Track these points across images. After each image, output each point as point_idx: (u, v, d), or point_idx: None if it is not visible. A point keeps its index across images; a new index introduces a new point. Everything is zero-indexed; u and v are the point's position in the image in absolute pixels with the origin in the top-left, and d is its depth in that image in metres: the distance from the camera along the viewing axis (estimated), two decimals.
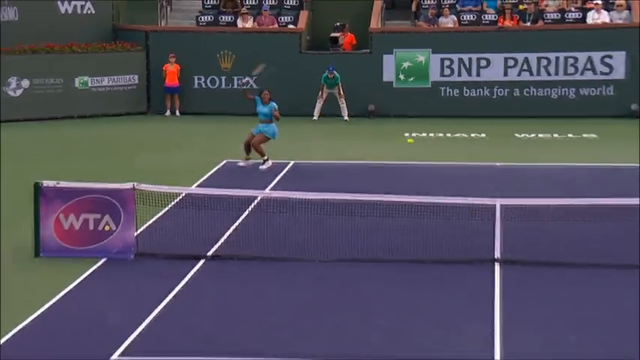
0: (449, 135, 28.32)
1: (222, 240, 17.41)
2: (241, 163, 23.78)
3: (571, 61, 31.16)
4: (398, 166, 24.02)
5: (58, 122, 31.11)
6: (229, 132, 28.18)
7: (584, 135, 27.74)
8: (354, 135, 29.09)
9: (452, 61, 31.48)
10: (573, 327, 13.40)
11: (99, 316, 13.82)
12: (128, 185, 16.69)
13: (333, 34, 32.89)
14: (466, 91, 31.41)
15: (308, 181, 21.60)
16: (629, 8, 32.61)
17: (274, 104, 23.50)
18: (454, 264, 16.07)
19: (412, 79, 31.53)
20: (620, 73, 30.80)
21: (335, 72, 31.05)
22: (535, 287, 15.11)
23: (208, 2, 35.15)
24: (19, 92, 31.64)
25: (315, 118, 31.40)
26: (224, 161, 24.20)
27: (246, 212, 18.86)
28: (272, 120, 23.44)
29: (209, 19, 34.26)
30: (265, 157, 23.47)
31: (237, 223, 18.37)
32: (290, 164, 24.11)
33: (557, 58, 31.23)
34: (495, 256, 16.28)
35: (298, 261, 16.25)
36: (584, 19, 32.48)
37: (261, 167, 23.42)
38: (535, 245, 16.93)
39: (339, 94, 31.27)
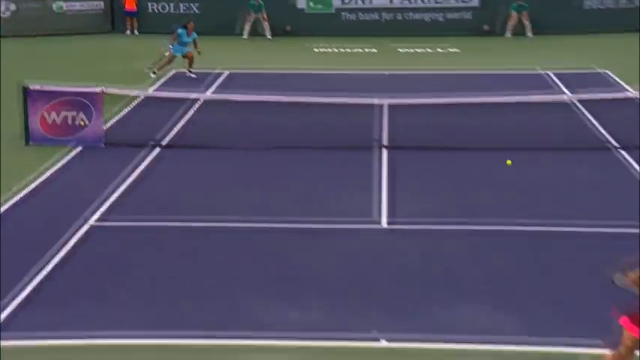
0: (348, 50, 28.15)
1: (173, 132, 17.30)
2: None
3: None
4: (311, 74, 23.77)
5: (40, 38, 30.29)
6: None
7: (450, 49, 27.87)
8: (276, 50, 28.72)
9: None
10: (446, 195, 13.64)
11: (78, 191, 13.73)
12: (98, 89, 16.56)
13: None
14: (361, 16, 31.17)
15: (241, 86, 21.27)
16: None
17: (195, 35, 23.09)
18: (350, 149, 16.00)
19: (320, 6, 31.23)
20: (475, 1, 30.86)
21: (260, 0, 30.61)
22: (423, 166, 15.23)
23: None
24: (7, 14, 30.88)
25: (245, 37, 30.93)
26: (173, 71, 23.76)
27: (192, 111, 18.72)
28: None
29: None
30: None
31: (185, 119, 18.22)
32: (226, 73, 23.73)
33: None
34: (383, 143, 16.37)
35: (233, 149, 16.16)
36: None
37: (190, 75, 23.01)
38: (416, 134, 16.93)
39: (263, 18, 30.87)
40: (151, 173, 14.84)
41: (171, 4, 31.79)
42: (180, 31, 22.95)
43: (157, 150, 16.07)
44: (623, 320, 7.54)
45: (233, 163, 15.47)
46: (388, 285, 10.27)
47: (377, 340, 8.86)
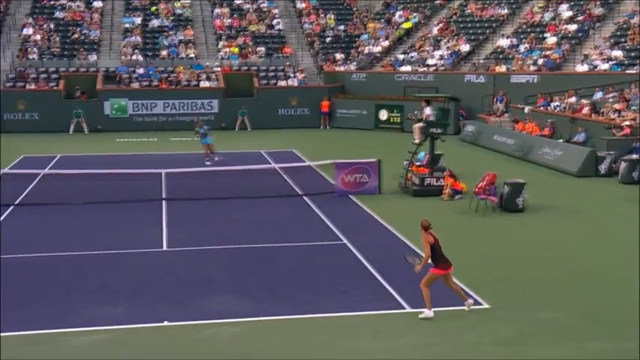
0: (139, 140, 26.91)
1: (23, 195, 15.86)
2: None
3: None
4: (116, 155, 22.48)
5: None
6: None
7: (196, 138, 27.36)
8: (92, 141, 26.60)
9: (140, 105, 29.87)
10: (204, 227, 13.54)
11: None
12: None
13: (76, 94, 30.09)
14: (147, 118, 29.53)
15: (69, 165, 19.86)
16: None
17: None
18: (142, 202, 15.56)
19: (119, 113, 29.73)
20: (215, 108, 30.27)
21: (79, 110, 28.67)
22: (189, 211, 15.00)
23: None
24: None
25: (70, 133, 28.53)
26: (22, 156, 21.86)
27: (35, 181, 17.16)
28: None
29: None
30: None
31: (32, 186, 16.73)
32: (58, 156, 21.89)
33: None
34: (163, 196, 16.03)
35: (63, 205, 15.25)
36: None
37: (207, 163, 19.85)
38: (184, 190, 16.61)
39: (82, 120, 28.69)
40: (7, 222, 13.68)
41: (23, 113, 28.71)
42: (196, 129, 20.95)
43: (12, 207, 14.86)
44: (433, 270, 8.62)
45: (65, 214, 14.55)
46: (168, 287, 10.09)
47: (161, 322, 8.74)
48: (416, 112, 19.75)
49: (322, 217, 14.45)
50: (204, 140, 20.69)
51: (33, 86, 29.87)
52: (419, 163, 17.86)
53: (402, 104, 27.88)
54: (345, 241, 12.07)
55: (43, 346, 7.95)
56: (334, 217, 14.30)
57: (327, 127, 30.61)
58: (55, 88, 30.04)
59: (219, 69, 30.75)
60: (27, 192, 16.50)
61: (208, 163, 19.77)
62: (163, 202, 15.71)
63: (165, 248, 12.17)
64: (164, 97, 29.76)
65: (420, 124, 17.19)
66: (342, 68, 30.84)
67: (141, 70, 30.81)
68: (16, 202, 15.43)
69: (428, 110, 17.42)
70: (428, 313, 8.50)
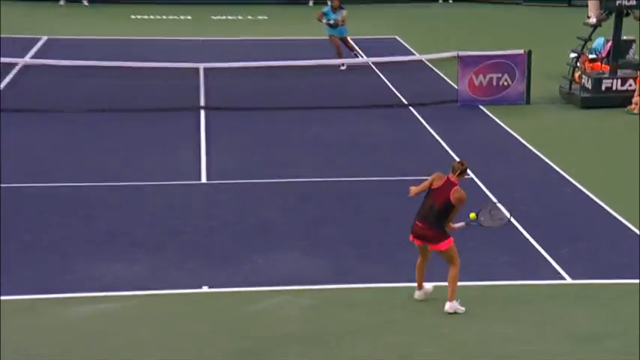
0: (164, 17, 27.59)
1: None
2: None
3: None
4: (129, 40, 23.28)
5: None
6: None
7: (259, 17, 27.94)
8: (94, 16, 27.57)
9: None
10: (259, 152, 13.97)
11: None
12: None
13: None
14: None
15: (60, 52, 20.54)
16: None
17: (343, 11, 19.63)
18: (169, 112, 16.11)
19: None
20: None
21: None
22: (239, 126, 15.48)
23: None
24: None
25: (61, 3, 29.47)
26: None
27: (10, 75, 18.15)
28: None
29: None
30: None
31: (4, 83, 17.69)
32: (44, 39, 22.77)
33: None
34: (201, 105, 16.53)
35: (57, 112, 15.94)
36: None
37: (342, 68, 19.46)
38: (230, 96, 17.12)
39: None
40: None
41: None
42: (325, 9, 19.93)
43: None
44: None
45: (57, 126, 15.31)
46: (208, 236, 10.50)
47: (199, 287, 9.19)
48: None
49: (437, 138, 14.68)
50: (338, 31, 19.71)
51: None
52: (593, 56, 17.64)
53: None
54: (472, 175, 12.20)
55: (30, 318, 8.41)
56: (456, 140, 14.50)
57: (448, 0, 30.48)
58: None
59: None
60: None
61: (343, 67, 19.28)
62: (202, 113, 16.18)
63: (203, 180, 12.67)
64: None
65: None
66: None
67: None
68: None
69: None
70: (457, 307, 8.60)
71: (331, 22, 19.50)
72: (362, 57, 19.85)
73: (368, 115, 16.20)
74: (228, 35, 24.33)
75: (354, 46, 20.06)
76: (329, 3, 19.91)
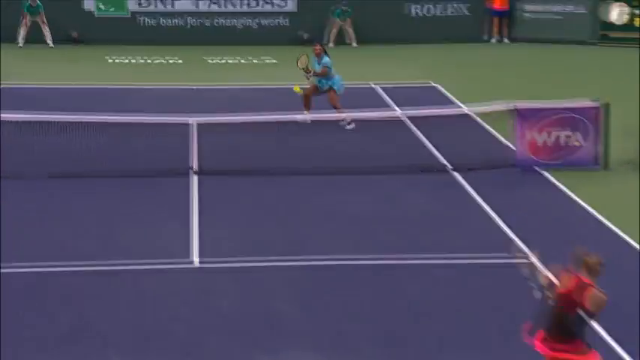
0: (148, 60, 28.16)
1: None
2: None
3: None
4: (101, 89, 23.72)
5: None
6: None
7: (266, 60, 28.23)
8: (59, 60, 28.30)
9: None
10: (264, 226, 14.03)
11: None
12: None
13: None
14: (162, 21, 31.14)
15: (16, 104, 20.64)
16: None
17: (326, 60, 19.94)
18: (154, 177, 16.21)
19: (112, 9, 31.00)
20: (291, 6, 31.44)
21: (38, 0, 30.08)
22: (237, 193, 15.60)
23: None
24: None
25: (20, 45, 30.23)
26: None
27: None
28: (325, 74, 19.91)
29: None
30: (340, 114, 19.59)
31: None
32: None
33: None
34: (193, 168, 16.67)
35: (10, 179, 15.96)
36: None
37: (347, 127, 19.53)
38: (228, 157, 17.28)
39: (42, 21, 30.32)
40: None
41: None
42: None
43: None
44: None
45: (13, 196, 15.28)
46: (203, 334, 10.47)
47: None
48: None
49: (488, 211, 14.68)
50: (327, 83, 19.97)
51: None
52: None
53: None
54: (533, 259, 12.09)
55: None
56: (513, 214, 14.47)
57: (502, 39, 31.01)
58: None
59: None
60: None
61: (349, 127, 19.47)
62: (193, 178, 16.24)
63: (195, 261, 12.65)
64: None
65: None
66: None
67: None
68: None
69: None
70: None
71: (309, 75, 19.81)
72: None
73: (400, 181, 16.22)
74: (227, 82, 24.54)
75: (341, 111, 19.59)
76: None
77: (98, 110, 18.39)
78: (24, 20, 30.20)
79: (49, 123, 17.35)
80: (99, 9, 30.93)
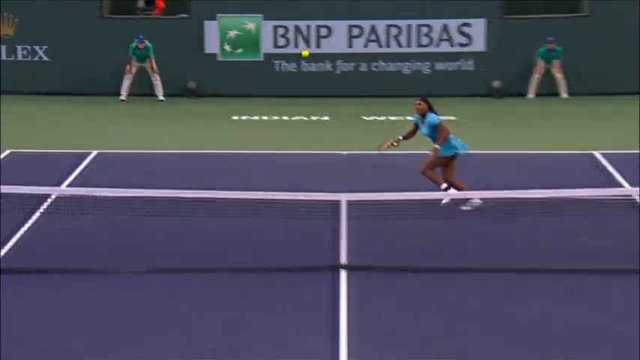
0: (285, 118, 28.52)
1: (6, 248, 17.26)
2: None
3: (425, 30, 31.58)
4: (223, 155, 24.16)
5: None
6: (11, 114, 27.91)
7: (442, 117, 28.01)
8: (171, 118, 29.09)
9: (287, 30, 31.69)
10: (436, 340, 13.73)
11: None
12: None
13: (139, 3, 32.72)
14: (305, 65, 31.55)
15: (114, 176, 21.44)
16: None
17: (434, 118, 20.40)
18: (291, 272, 16.25)
19: (240, 50, 31.46)
20: (480, 44, 31.24)
21: (146, 41, 30.77)
22: (388, 297, 15.40)
23: None
24: None
25: (123, 98, 31.01)
26: (7, 151, 23.98)
27: (38, 213, 18.80)
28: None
29: None
30: (444, 186, 19.92)
31: (25, 227, 18.25)
32: (92, 155, 23.88)
33: (409, 27, 31.55)
34: (341, 262, 16.49)
35: (104, 273, 16.17)
36: None
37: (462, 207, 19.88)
38: (388, 248, 17.28)
39: (152, 68, 31.05)
40: None
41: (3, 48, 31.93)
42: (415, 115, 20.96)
43: None
44: None
45: (107, 295, 15.39)
46: None
47: None
48: None
49: None
50: (451, 148, 20.26)
51: None
52: None
53: None
54: None
55: None
56: None
57: None
58: None
59: None
60: (17, 235, 17.65)
61: (466, 207, 19.93)
62: (341, 275, 16.14)
63: None
64: (349, 15, 31.16)
65: None
66: None
67: None
68: None
69: None
70: None
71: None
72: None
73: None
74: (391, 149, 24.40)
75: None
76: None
77: (217, 184, 18.67)
78: (128, 67, 31.07)
79: (151, 200, 17.57)
80: (224, 52, 31.69)
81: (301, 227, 17.72)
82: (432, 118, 20.13)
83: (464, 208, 19.44)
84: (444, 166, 19.78)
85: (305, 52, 10.92)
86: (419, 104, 20.48)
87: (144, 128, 27.58)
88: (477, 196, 18.84)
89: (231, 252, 16.98)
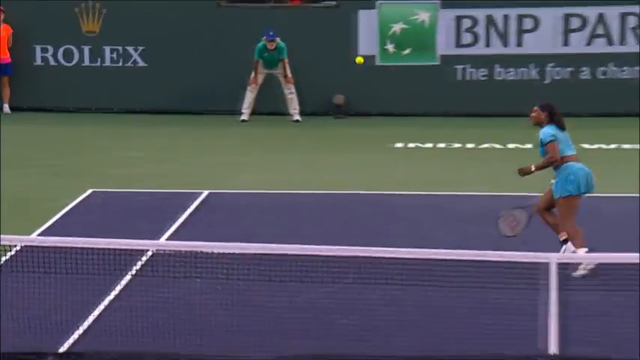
0: (469, 145, 28.75)
1: (84, 327, 17.17)
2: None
3: None
4: (378, 197, 24.29)
5: None
6: (96, 139, 27.97)
7: None
8: (311, 145, 29.29)
9: (475, 21, 31.80)
10: None
11: None
12: None
13: None
14: (498, 72, 31.11)
15: (229, 223, 21.60)
16: None
17: (544, 133, 20.32)
18: None
19: (408, 51, 31.23)
20: None
21: (278, 39, 30.68)
22: None
23: None
24: None
25: (244, 117, 31.07)
26: (89, 191, 24.20)
27: (128, 276, 18.72)
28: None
29: None
30: (563, 237, 20.45)
31: (111, 297, 18.23)
32: (203, 195, 24.31)
33: None
34: (550, 352, 16.35)
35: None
36: None
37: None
38: (614, 334, 17.05)
39: (285, 76, 31.14)
40: None
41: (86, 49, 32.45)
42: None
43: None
44: None
45: None
46: None
47: None
48: None
49: None
50: (564, 188, 20.49)
51: None
52: None
53: None
54: None
55: None
56: None
57: None
58: None
59: None
60: (100, 307, 17.67)
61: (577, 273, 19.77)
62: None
63: None
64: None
65: None
66: None
67: None
68: (61, 347, 16.33)
69: None
70: None
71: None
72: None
73: None
74: (616, 186, 25.12)
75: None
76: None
77: (373, 239, 18.93)
78: (253, 75, 31.25)
79: (283, 259, 17.30)
80: (385, 53, 31.63)
81: (492, 300, 17.62)
82: (542, 132, 20.00)
83: (575, 274, 19.16)
84: (548, 205, 20.12)
85: (359, 59, 10.66)
86: (534, 113, 20.17)
87: (273, 160, 27.75)
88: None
89: (399, 333, 16.91)
